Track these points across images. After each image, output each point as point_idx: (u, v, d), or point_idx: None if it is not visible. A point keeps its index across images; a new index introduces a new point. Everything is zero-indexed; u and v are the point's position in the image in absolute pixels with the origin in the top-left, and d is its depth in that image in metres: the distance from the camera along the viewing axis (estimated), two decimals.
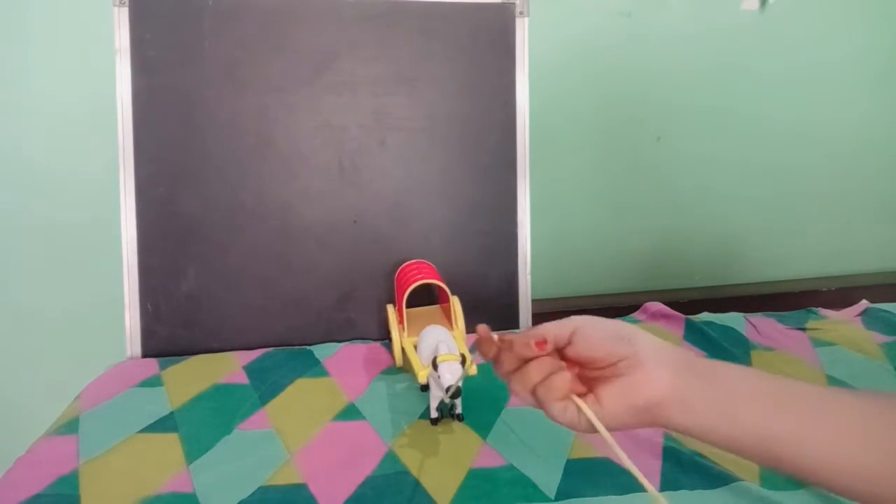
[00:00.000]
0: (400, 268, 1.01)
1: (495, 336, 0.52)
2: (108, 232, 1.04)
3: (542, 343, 0.49)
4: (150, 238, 1.03)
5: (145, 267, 1.03)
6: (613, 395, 0.47)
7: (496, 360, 0.52)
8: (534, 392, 0.49)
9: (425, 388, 0.85)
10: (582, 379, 0.50)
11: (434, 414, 0.81)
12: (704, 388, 0.46)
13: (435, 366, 0.74)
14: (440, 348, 0.77)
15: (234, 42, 1.03)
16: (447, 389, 0.72)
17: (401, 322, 0.95)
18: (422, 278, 0.94)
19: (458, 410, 0.82)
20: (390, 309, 1.01)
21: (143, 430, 0.79)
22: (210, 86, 1.03)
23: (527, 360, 0.50)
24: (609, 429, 0.47)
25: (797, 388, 0.45)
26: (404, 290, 0.93)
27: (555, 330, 0.50)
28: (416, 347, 0.87)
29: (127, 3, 1.00)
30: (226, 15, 1.02)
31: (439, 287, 0.97)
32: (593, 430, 0.47)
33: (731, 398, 0.45)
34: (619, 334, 0.49)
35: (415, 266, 0.99)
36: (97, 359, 0.99)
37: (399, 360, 0.95)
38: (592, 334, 0.49)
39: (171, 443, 0.76)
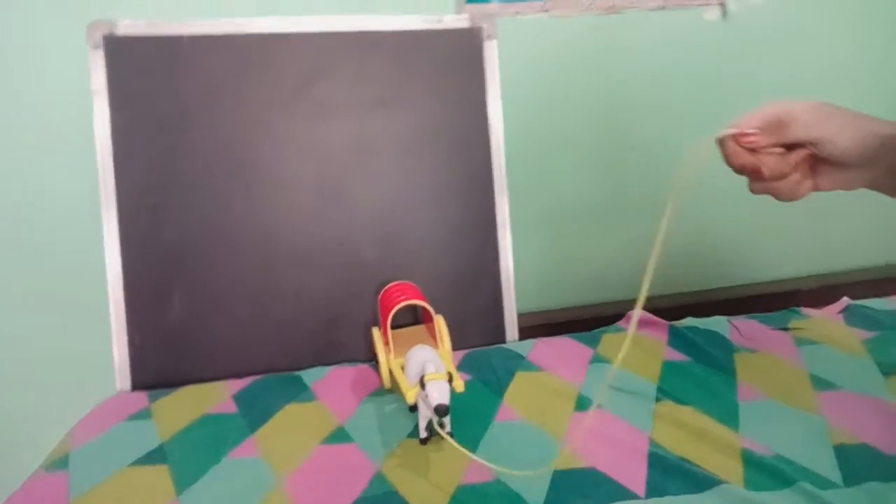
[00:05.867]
0: (383, 290, 1.02)
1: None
2: (94, 268, 1.05)
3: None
4: (134, 271, 1.03)
5: (131, 300, 1.03)
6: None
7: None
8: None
9: (414, 408, 0.86)
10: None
11: (423, 434, 0.82)
12: None
13: (422, 385, 0.75)
14: (427, 367, 0.78)
15: (212, 76, 1.05)
16: (435, 408, 0.73)
17: (386, 343, 0.96)
18: (405, 299, 0.95)
19: (448, 429, 0.83)
20: (375, 331, 1.02)
21: (132, 464, 0.79)
22: (188, 118, 1.05)
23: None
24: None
25: None
26: (388, 312, 0.94)
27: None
28: (402, 368, 0.88)
29: (102, 46, 1.02)
30: (202, 51, 1.05)
31: (424, 307, 0.98)
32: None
33: None
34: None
35: (398, 288, 1.00)
36: (91, 393, 0.99)
37: (387, 382, 0.96)
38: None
39: (160, 474, 0.77)
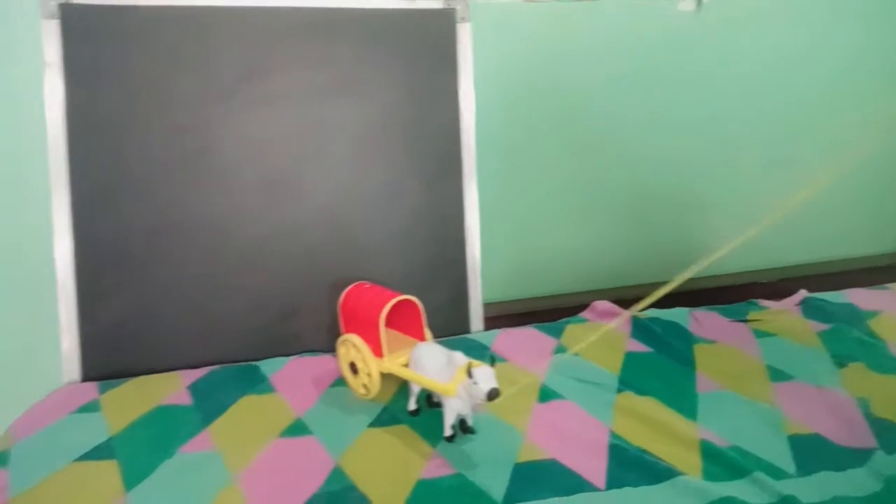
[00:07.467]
0: (344, 295, 0.98)
1: None
2: (40, 254, 1.00)
3: None
4: (86, 258, 0.99)
5: (82, 288, 0.99)
6: None
7: None
8: None
9: (415, 412, 0.85)
10: None
11: (449, 431, 0.79)
12: None
13: (470, 374, 0.73)
14: (457, 359, 0.76)
15: (164, 55, 1.00)
16: (489, 393, 0.71)
17: (378, 353, 0.89)
18: (388, 298, 0.90)
19: (470, 423, 0.81)
20: (356, 339, 0.91)
21: (78, 459, 0.76)
22: (143, 99, 1.00)
23: None
24: None
25: None
26: (370, 314, 0.90)
27: None
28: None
29: (57, 15, 0.97)
30: (155, 27, 1.00)
31: (411, 301, 0.94)
32: None
33: None
34: None
35: (364, 289, 0.97)
36: (36, 385, 0.95)
37: (375, 391, 0.89)
38: None
39: (108, 470, 0.74)
